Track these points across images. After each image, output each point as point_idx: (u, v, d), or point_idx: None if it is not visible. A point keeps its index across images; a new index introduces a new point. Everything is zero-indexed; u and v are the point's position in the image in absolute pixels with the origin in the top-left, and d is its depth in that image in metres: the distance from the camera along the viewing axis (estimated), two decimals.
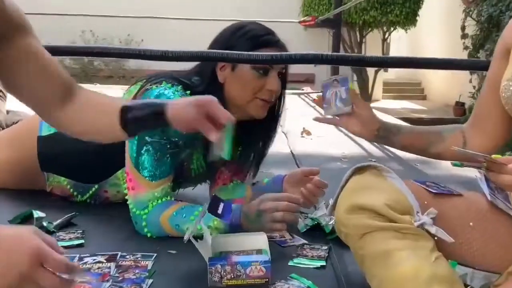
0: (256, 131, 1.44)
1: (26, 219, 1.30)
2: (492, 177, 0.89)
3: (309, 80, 9.44)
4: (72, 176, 1.53)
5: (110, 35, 8.86)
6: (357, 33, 9.83)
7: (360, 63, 0.80)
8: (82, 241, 1.25)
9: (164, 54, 0.78)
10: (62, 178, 1.54)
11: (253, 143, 1.47)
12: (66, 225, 1.36)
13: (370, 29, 9.75)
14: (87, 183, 1.52)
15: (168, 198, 1.30)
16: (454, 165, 0.91)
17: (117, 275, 1.07)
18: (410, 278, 0.87)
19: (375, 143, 2.77)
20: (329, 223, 1.29)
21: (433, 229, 0.93)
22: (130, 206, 1.30)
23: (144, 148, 1.27)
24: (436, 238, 0.93)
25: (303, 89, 6.03)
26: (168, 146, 1.28)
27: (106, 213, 1.47)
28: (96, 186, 1.51)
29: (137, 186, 1.28)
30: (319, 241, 1.28)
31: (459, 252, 0.98)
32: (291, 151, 2.50)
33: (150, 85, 1.30)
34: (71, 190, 1.54)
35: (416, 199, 0.97)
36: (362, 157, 2.44)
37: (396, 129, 1.21)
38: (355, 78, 9.13)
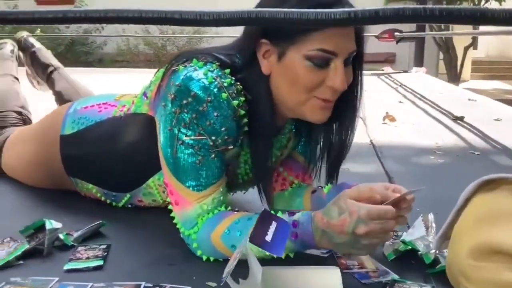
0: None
1: (38, 230, 1.05)
2: None
3: (388, 60, 8.79)
4: (99, 183, 1.26)
5: None
6: (444, 4, 9.00)
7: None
8: (101, 262, 0.98)
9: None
10: (91, 185, 1.28)
11: (318, 134, 1.12)
12: (91, 236, 1.11)
13: (458, 1, 8.90)
14: (117, 191, 1.25)
15: (222, 208, 0.99)
16: None
17: None
18: None
19: (476, 131, 2.31)
20: (431, 251, 0.92)
21: None
22: (178, 226, 1.01)
23: (181, 150, 0.97)
24: None
25: (382, 69, 5.53)
26: (211, 144, 0.97)
27: (143, 221, 1.20)
28: (128, 195, 1.24)
29: (181, 200, 0.98)
30: (416, 276, 0.90)
31: None
32: (370, 140, 2.11)
33: (178, 65, 0.99)
34: (103, 198, 1.28)
35: None
36: (461, 149, 1.99)
37: None
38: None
